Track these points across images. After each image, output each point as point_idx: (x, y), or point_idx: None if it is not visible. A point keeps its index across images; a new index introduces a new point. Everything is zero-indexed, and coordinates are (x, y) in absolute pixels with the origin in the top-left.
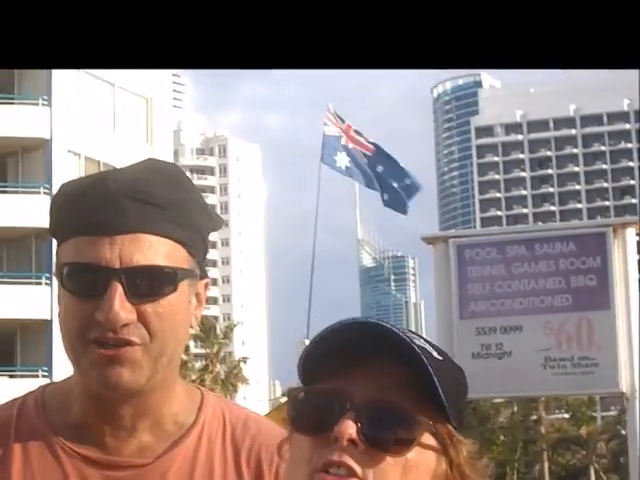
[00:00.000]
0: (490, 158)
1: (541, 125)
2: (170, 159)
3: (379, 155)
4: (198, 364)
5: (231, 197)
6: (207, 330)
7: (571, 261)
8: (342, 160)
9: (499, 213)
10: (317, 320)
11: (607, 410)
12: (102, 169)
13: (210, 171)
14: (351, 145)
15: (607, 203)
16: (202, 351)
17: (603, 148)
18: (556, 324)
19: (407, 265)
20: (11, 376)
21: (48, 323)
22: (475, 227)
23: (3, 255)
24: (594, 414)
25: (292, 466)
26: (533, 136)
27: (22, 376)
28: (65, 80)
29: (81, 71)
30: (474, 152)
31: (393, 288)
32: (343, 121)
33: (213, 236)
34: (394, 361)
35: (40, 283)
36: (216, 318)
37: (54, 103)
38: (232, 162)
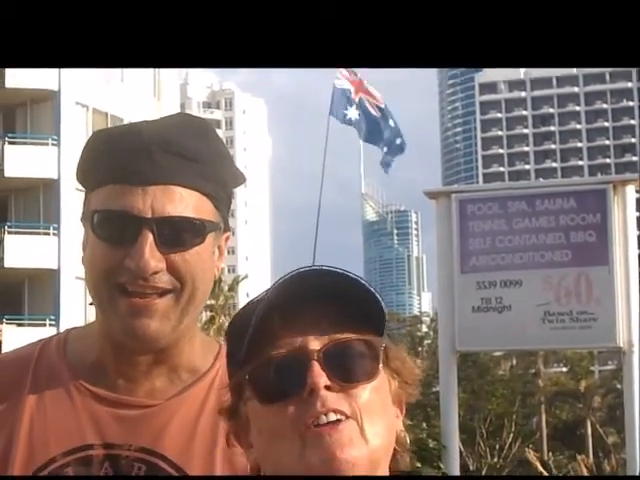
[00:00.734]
0: (493, 114)
1: (544, 82)
2: (177, 112)
3: (389, 110)
4: (203, 315)
5: (237, 150)
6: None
7: (571, 217)
8: (352, 113)
9: (501, 169)
10: None
11: (604, 365)
12: (109, 121)
13: (216, 124)
14: (362, 98)
15: (608, 160)
16: (207, 302)
17: (605, 106)
18: (555, 279)
19: (410, 219)
20: (19, 325)
21: (55, 273)
22: (477, 183)
23: (11, 205)
24: (592, 368)
25: (273, 436)
26: (536, 93)
27: (30, 325)
28: None
29: None
30: (477, 108)
31: (396, 242)
32: (356, 75)
33: None
34: (334, 298)
35: (48, 233)
36: (222, 270)
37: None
38: (238, 115)
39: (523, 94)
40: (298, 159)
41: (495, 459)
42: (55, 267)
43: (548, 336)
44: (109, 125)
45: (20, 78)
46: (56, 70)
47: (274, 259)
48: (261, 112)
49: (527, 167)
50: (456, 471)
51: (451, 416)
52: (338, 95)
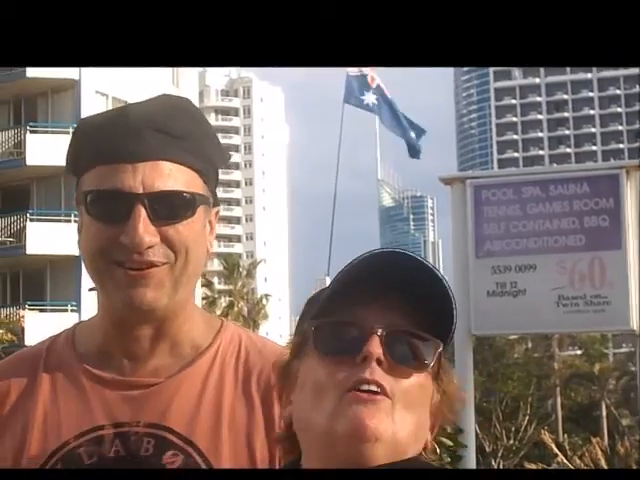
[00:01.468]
0: (508, 101)
1: (558, 69)
2: (195, 100)
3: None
4: (222, 301)
5: (255, 138)
6: (231, 267)
7: (585, 202)
8: (369, 98)
9: (516, 155)
10: (337, 258)
11: (618, 347)
12: None
13: (234, 112)
14: (376, 83)
15: (621, 146)
16: (226, 287)
17: (618, 92)
18: (569, 263)
19: (426, 205)
20: (41, 310)
21: (77, 259)
22: (492, 168)
23: (33, 193)
24: (606, 351)
25: (314, 391)
26: (550, 79)
27: (52, 310)
28: None
29: None
30: (492, 95)
31: (412, 227)
32: None
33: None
34: (413, 290)
35: (69, 220)
36: (240, 255)
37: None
38: (256, 103)
39: (537, 80)
40: (315, 146)
41: (511, 441)
42: (76, 253)
43: (562, 320)
44: None
45: (41, 68)
46: None
47: (292, 244)
48: (278, 100)
49: (541, 153)
50: (472, 453)
51: (467, 399)
52: (353, 82)
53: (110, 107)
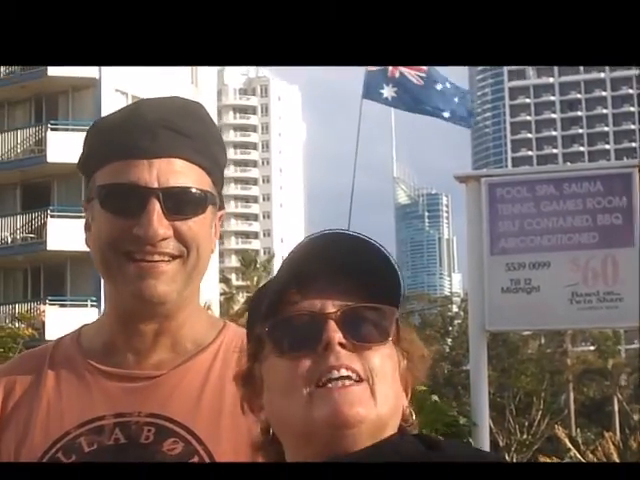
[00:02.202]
0: (522, 100)
1: (571, 68)
2: (214, 98)
3: (434, 74)
4: (240, 297)
5: (272, 135)
6: (248, 263)
7: (598, 200)
8: (388, 92)
9: (530, 153)
10: None
11: (630, 343)
12: None
13: (252, 110)
14: (399, 73)
15: (634, 144)
16: (243, 284)
17: (631, 91)
18: (583, 260)
19: (441, 202)
20: (61, 305)
21: None
22: (506, 166)
23: (54, 190)
24: (618, 347)
25: (281, 393)
26: (564, 79)
27: (72, 305)
28: None
29: None
30: (507, 94)
31: (427, 224)
32: None
33: (255, 173)
34: (357, 265)
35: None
36: (257, 252)
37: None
38: (273, 102)
39: (551, 80)
40: (331, 144)
41: (524, 435)
42: None
43: (576, 316)
44: None
45: (62, 67)
46: None
47: None
48: (295, 98)
49: (555, 151)
50: (486, 447)
51: (481, 394)
52: (372, 77)
53: None
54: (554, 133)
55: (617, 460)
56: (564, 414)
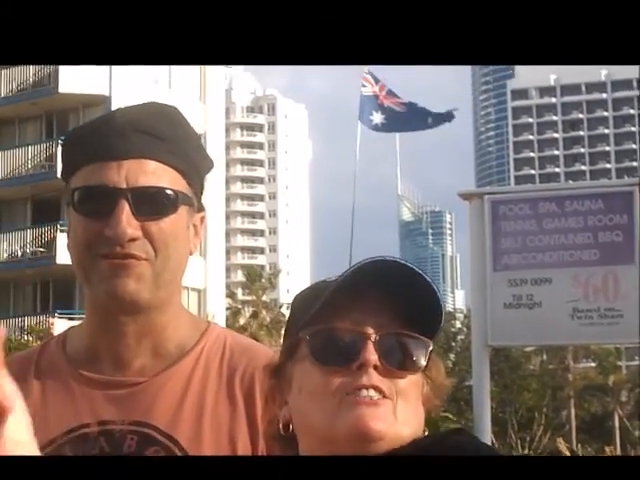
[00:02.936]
0: (525, 119)
1: (574, 89)
2: (222, 116)
3: (412, 107)
4: (246, 311)
5: (279, 153)
6: (253, 278)
7: (599, 218)
8: (377, 118)
9: (532, 172)
10: None
11: (631, 360)
12: None
13: (259, 128)
14: (386, 103)
15: (635, 164)
16: (249, 298)
17: (632, 112)
18: (584, 277)
19: (444, 220)
20: (70, 318)
21: None
22: (509, 185)
23: (64, 205)
24: (619, 363)
25: (311, 398)
26: (566, 99)
27: (80, 318)
28: None
29: None
30: (510, 114)
31: (431, 241)
32: (377, 81)
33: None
34: (400, 293)
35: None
36: (263, 267)
37: None
38: (280, 120)
39: (553, 100)
40: (337, 161)
41: (526, 450)
42: None
43: (577, 332)
44: None
45: (73, 84)
46: (107, 76)
47: (313, 257)
48: (302, 116)
49: (557, 170)
50: None
51: (484, 409)
52: (364, 102)
53: None
54: (556, 152)
55: None
56: (565, 429)
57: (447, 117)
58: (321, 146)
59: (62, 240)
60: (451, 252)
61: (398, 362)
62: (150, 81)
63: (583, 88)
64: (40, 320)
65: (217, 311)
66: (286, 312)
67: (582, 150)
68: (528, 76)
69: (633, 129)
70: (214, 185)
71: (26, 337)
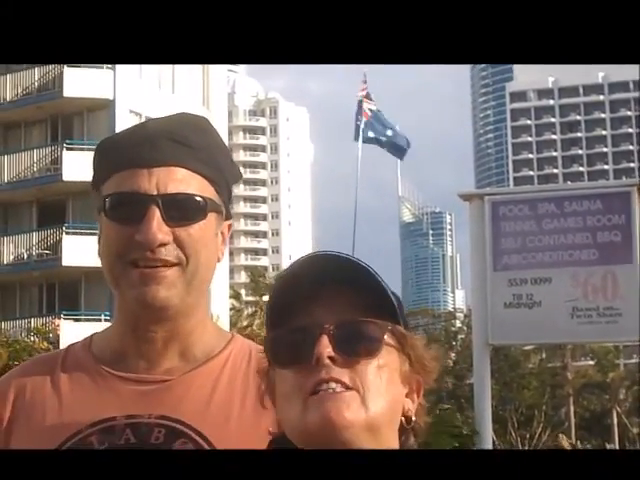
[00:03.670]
0: (523, 121)
1: (571, 91)
2: (225, 119)
3: (375, 118)
4: (248, 311)
5: (281, 155)
6: (256, 279)
7: (598, 218)
8: (362, 123)
9: (531, 173)
10: None
11: (629, 358)
12: None
13: (262, 131)
14: (365, 108)
15: (632, 165)
16: (252, 299)
17: (629, 113)
18: (583, 276)
19: (444, 220)
20: (76, 320)
21: None
22: (509, 186)
23: (69, 208)
24: (617, 361)
25: (284, 400)
26: (564, 101)
27: (86, 320)
28: None
29: None
30: (508, 116)
31: (431, 242)
32: (365, 82)
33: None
34: (350, 284)
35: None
36: (266, 268)
37: (117, 67)
38: (282, 123)
39: (551, 102)
40: (338, 164)
41: (526, 447)
42: None
43: (576, 330)
44: None
45: (77, 88)
46: (111, 80)
47: None
48: (303, 119)
49: (555, 171)
50: None
51: (484, 406)
52: (358, 106)
53: None
54: (554, 154)
55: None
56: (565, 427)
57: (397, 149)
58: (322, 149)
59: (67, 242)
60: (451, 252)
61: (354, 350)
62: (154, 85)
63: (580, 90)
64: (46, 321)
65: (221, 311)
66: None
67: (580, 151)
68: (526, 79)
69: (630, 130)
70: None
71: (32, 338)
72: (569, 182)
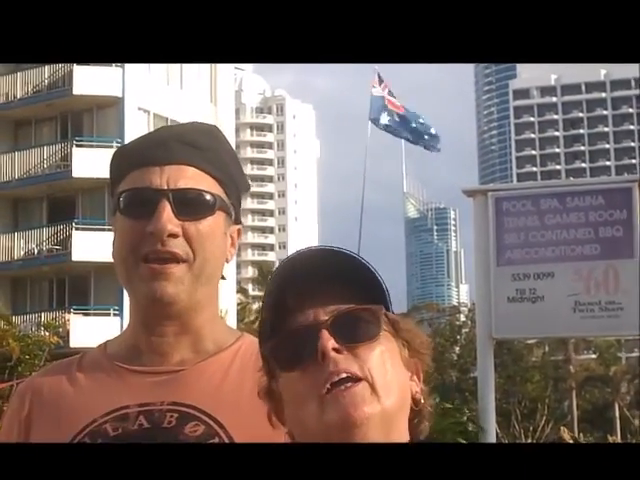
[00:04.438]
0: (526, 118)
1: (574, 88)
2: (232, 117)
3: (409, 113)
4: (255, 306)
5: (287, 152)
6: (264, 274)
7: (600, 213)
8: (384, 118)
9: (534, 169)
10: None
11: (631, 352)
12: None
13: (268, 128)
14: (390, 106)
15: (634, 161)
16: (259, 294)
17: (631, 110)
18: (585, 271)
19: (449, 216)
20: (85, 314)
21: None
22: (512, 182)
23: (79, 204)
24: (619, 355)
25: (295, 403)
26: (566, 98)
27: (95, 314)
28: None
29: None
30: (512, 113)
31: (435, 237)
32: (382, 81)
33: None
34: (339, 275)
35: (112, 229)
36: (273, 264)
37: (126, 65)
38: (289, 120)
39: (554, 99)
40: (344, 160)
41: (529, 440)
42: None
43: (578, 325)
44: None
45: (86, 85)
46: (120, 77)
47: None
48: (310, 116)
49: (558, 167)
50: None
51: (488, 400)
52: (373, 102)
53: (152, 123)
54: (557, 150)
55: None
56: (567, 420)
57: (430, 142)
58: (328, 145)
59: (77, 238)
60: (455, 247)
61: (354, 336)
62: (162, 83)
63: (583, 87)
64: (56, 316)
65: (229, 306)
66: None
67: (582, 148)
68: (529, 76)
69: (632, 127)
70: None
71: (43, 332)
72: (571, 178)
